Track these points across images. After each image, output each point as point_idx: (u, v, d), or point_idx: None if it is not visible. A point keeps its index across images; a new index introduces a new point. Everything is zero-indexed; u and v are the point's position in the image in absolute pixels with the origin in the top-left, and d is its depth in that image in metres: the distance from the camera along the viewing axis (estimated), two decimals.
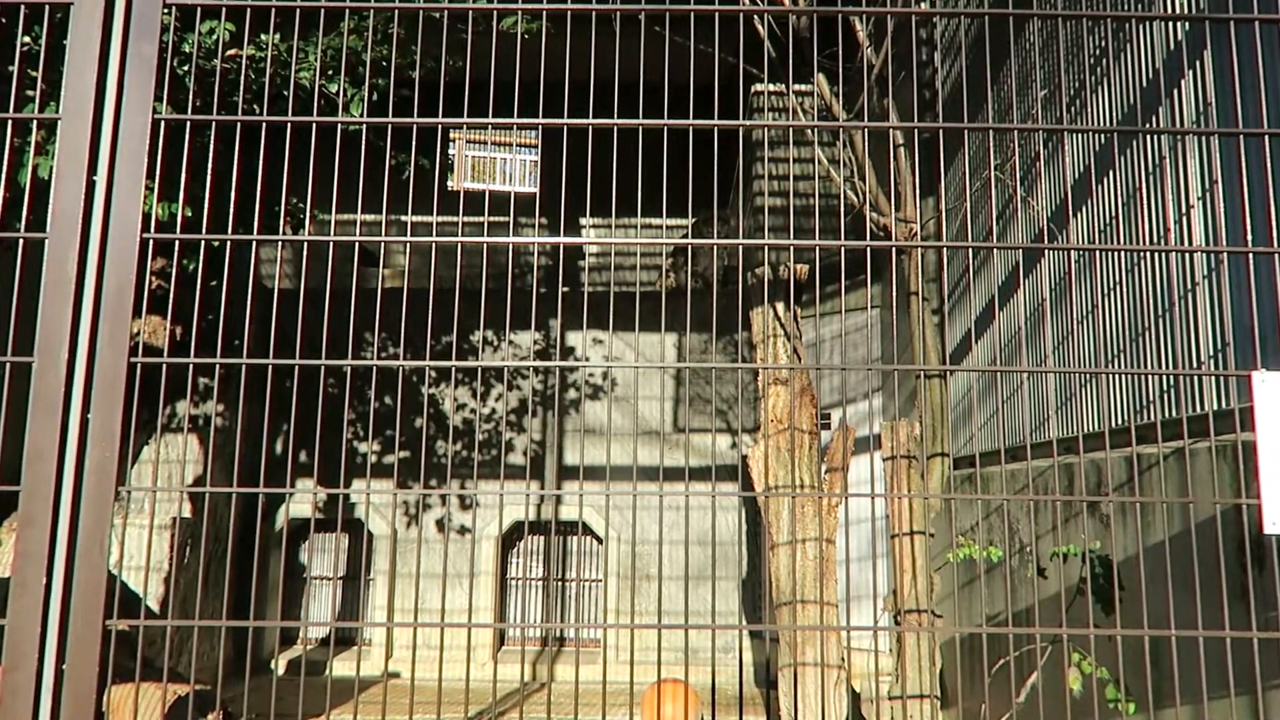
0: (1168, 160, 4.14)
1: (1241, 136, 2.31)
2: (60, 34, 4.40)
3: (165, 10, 2.14)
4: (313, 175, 2.68)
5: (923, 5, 6.19)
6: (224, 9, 2.56)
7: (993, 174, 3.59)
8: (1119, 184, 4.62)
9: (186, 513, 8.72)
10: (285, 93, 5.87)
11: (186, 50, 5.22)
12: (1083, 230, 4.98)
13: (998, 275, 6.21)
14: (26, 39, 4.83)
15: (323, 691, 8.04)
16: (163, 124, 2.13)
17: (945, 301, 7.31)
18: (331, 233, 2.43)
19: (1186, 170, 3.96)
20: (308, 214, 2.89)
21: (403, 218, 10.92)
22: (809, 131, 7.98)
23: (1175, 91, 4.08)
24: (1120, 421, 4.45)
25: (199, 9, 4.86)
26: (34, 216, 3.09)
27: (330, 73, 5.71)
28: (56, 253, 2.01)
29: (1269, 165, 3.27)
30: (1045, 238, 4.87)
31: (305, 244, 2.17)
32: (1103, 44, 4.80)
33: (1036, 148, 5.70)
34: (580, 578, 10.30)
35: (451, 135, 11.57)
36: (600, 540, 10.15)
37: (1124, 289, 4.49)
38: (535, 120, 2.34)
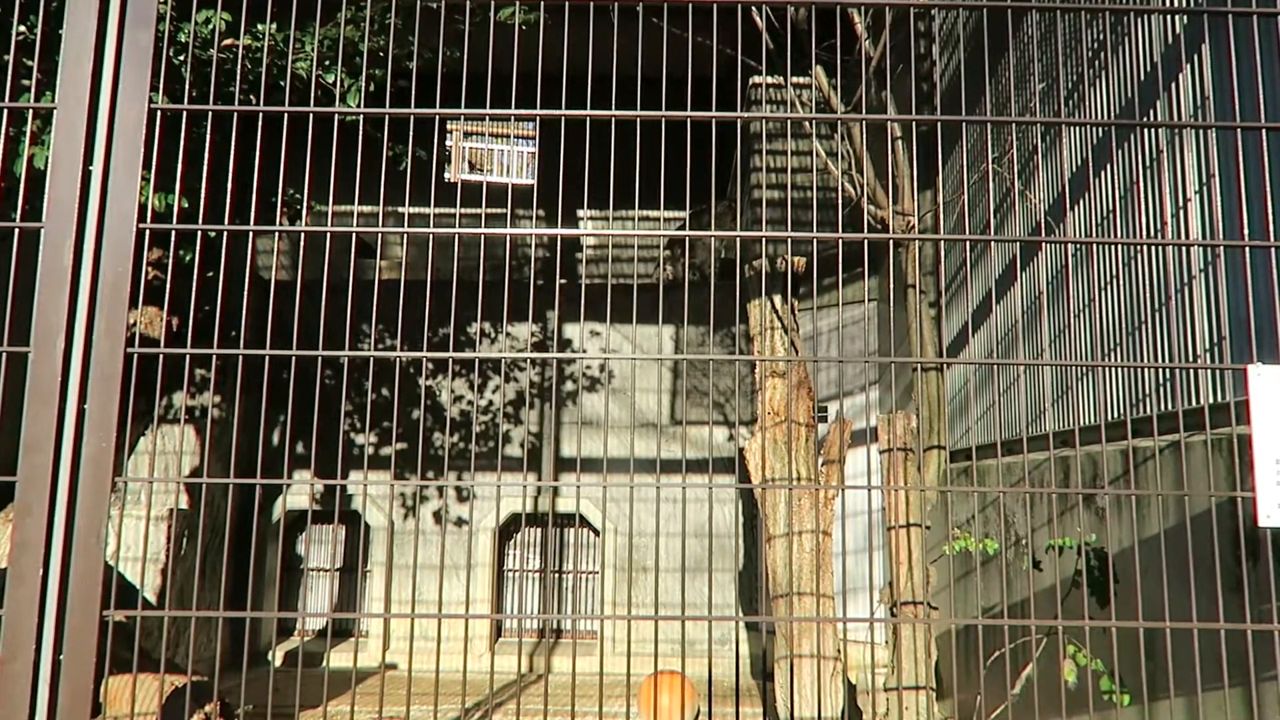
0: (1165, 154, 4.14)
1: (1239, 130, 2.31)
2: (56, 23, 4.38)
3: None
4: (309, 166, 2.67)
5: None
6: None
7: (990, 167, 3.59)
8: (1116, 177, 4.62)
9: (183, 504, 8.72)
10: (282, 83, 5.85)
11: (183, 40, 5.20)
12: (1080, 223, 4.98)
13: (995, 268, 6.22)
14: (22, 28, 4.81)
15: (320, 682, 8.05)
16: (159, 114, 2.13)
17: (942, 294, 7.32)
18: (328, 224, 2.43)
19: (1184, 164, 3.96)
20: (304, 205, 2.88)
21: (400, 209, 10.90)
22: (807, 124, 7.96)
23: (1173, 85, 4.08)
24: (1116, 415, 4.46)
25: None
26: (30, 206, 3.08)
27: (327, 63, 5.69)
28: (52, 243, 2.00)
29: (1266, 159, 3.27)
30: (1043, 231, 4.87)
31: (302, 235, 2.17)
32: (1101, 37, 4.79)
33: (1034, 141, 5.70)
34: (577, 570, 10.31)
35: (449, 127, 11.55)
36: (597, 532, 10.16)
37: (1121, 282, 4.49)
38: (533, 111, 2.33)
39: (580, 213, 11.28)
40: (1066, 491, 2.18)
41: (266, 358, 2.23)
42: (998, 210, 6.28)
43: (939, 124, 2.34)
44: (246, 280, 4.39)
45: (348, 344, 2.28)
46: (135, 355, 2.04)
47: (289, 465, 9.86)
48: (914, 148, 7.20)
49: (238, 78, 2.32)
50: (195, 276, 2.97)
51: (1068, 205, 5.12)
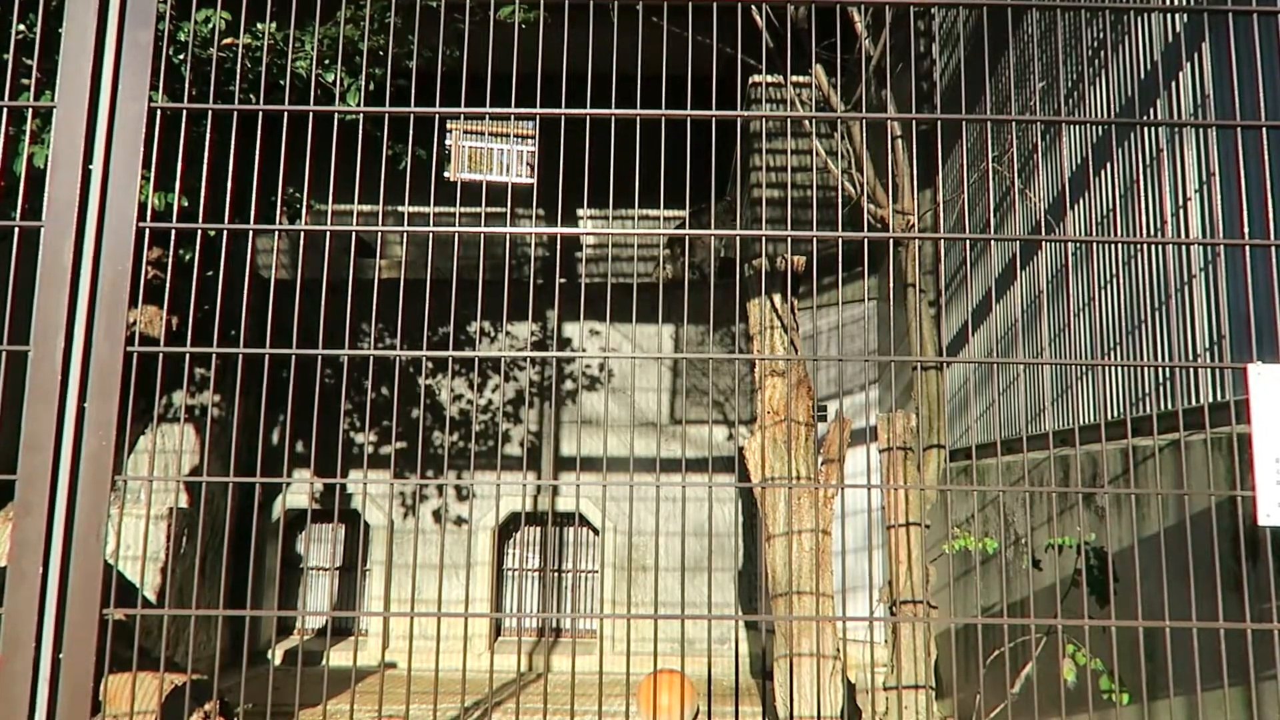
0: (1165, 152, 4.14)
1: (1239, 129, 2.31)
2: (56, 21, 4.38)
3: None
4: (309, 165, 2.67)
5: None
6: None
7: (990, 166, 3.59)
8: (1116, 176, 4.62)
9: (183, 503, 8.72)
10: (281, 82, 5.85)
11: (182, 39, 5.20)
12: (1080, 222, 4.98)
13: (995, 267, 6.22)
14: (21, 26, 4.81)
15: (319, 681, 8.05)
16: (159, 113, 2.13)
17: (942, 293, 7.32)
18: (328, 223, 2.43)
19: (1184, 162, 3.96)
20: (304, 204, 2.88)
21: (400, 208, 10.90)
22: (807, 123, 7.96)
23: (1173, 83, 4.08)
24: (1116, 414, 4.46)
25: None
26: (30, 206, 3.09)
27: (327, 62, 5.68)
28: (52, 242, 2.00)
29: (1266, 157, 3.27)
30: (1042, 230, 4.87)
31: (302, 234, 2.17)
32: (1101, 35, 4.79)
33: (1034, 139, 5.70)
34: (576, 569, 10.31)
35: (448, 126, 11.55)
36: (596, 531, 10.16)
37: (1121, 281, 4.49)
38: (532, 110, 2.33)
39: (580, 212, 11.28)
40: (1066, 490, 2.18)
41: (266, 357, 2.23)
42: (997, 209, 6.28)
43: (939, 123, 2.34)
44: (246, 279, 4.39)
45: (347, 343, 2.28)
46: (135, 354, 2.04)
47: (288, 464, 9.86)
48: (914, 146, 7.20)
49: (237, 77, 2.32)
50: (195, 275, 2.97)
51: (1067, 204, 5.12)
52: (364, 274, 10.26)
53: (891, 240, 2.22)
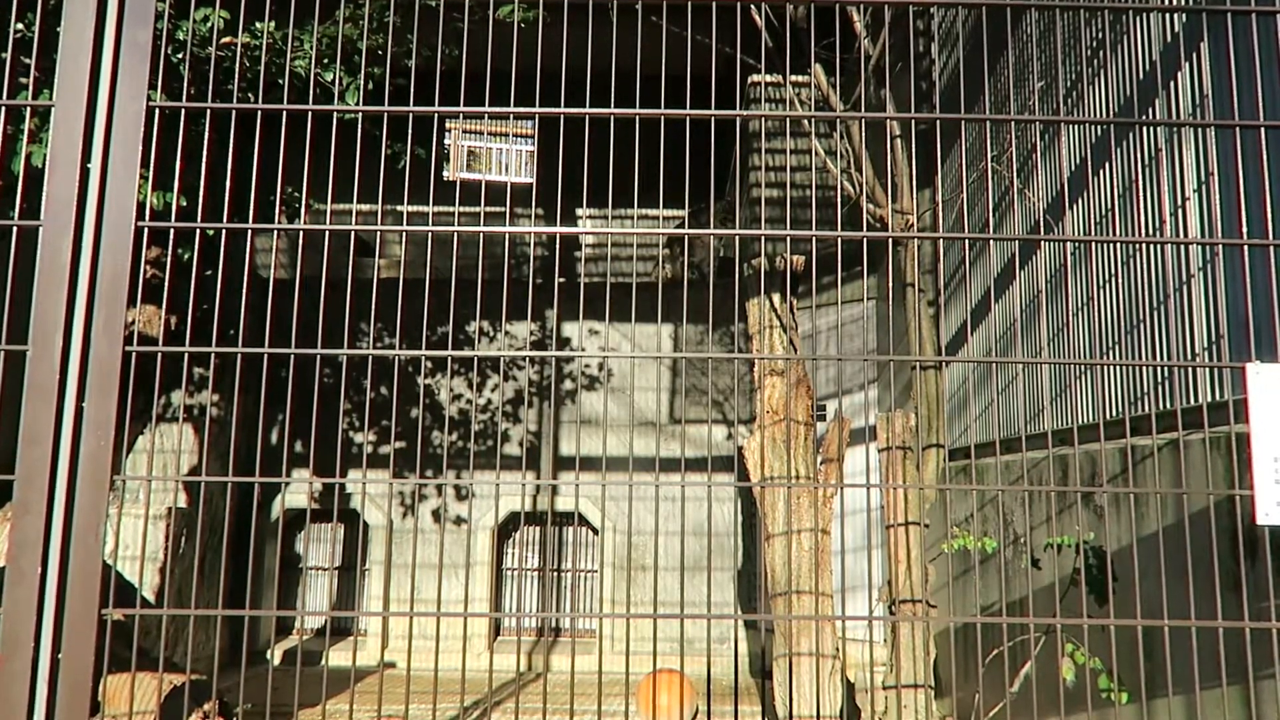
0: (1164, 152, 4.14)
1: (1237, 128, 2.31)
2: (54, 20, 4.38)
3: None
4: (308, 164, 2.67)
5: None
6: None
7: (989, 165, 3.59)
8: (1115, 176, 4.62)
9: (182, 502, 8.72)
10: (280, 81, 5.85)
11: (181, 38, 5.19)
12: (1079, 222, 4.98)
13: (994, 267, 6.22)
14: (20, 25, 4.80)
15: (318, 681, 8.04)
16: (157, 111, 2.12)
17: (941, 293, 7.32)
18: (327, 222, 2.43)
19: (1182, 162, 3.96)
20: (303, 203, 2.88)
21: (398, 207, 10.89)
22: (806, 122, 7.96)
23: (1172, 83, 4.08)
24: (1115, 413, 4.46)
25: None
26: (28, 204, 3.08)
27: (326, 61, 5.68)
28: (51, 241, 2.00)
29: (1265, 157, 3.27)
30: (1041, 229, 4.88)
31: (301, 234, 2.17)
32: (1100, 35, 4.79)
33: (1033, 139, 5.70)
34: (576, 568, 10.31)
35: (448, 125, 11.54)
36: (596, 531, 10.16)
37: (1120, 281, 4.49)
38: (532, 109, 2.33)
39: (579, 211, 11.27)
40: (1065, 490, 2.18)
41: (265, 356, 2.22)
42: (996, 209, 6.28)
43: (938, 122, 2.34)
44: (245, 278, 4.38)
45: (346, 342, 2.28)
46: (134, 353, 2.04)
47: (287, 464, 9.85)
48: (913, 146, 7.20)
49: (236, 76, 2.31)
50: (194, 275, 2.97)
51: (1066, 203, 5.13)
52: (363, 273, 10.25)
53: (890, 240, 2.22)
